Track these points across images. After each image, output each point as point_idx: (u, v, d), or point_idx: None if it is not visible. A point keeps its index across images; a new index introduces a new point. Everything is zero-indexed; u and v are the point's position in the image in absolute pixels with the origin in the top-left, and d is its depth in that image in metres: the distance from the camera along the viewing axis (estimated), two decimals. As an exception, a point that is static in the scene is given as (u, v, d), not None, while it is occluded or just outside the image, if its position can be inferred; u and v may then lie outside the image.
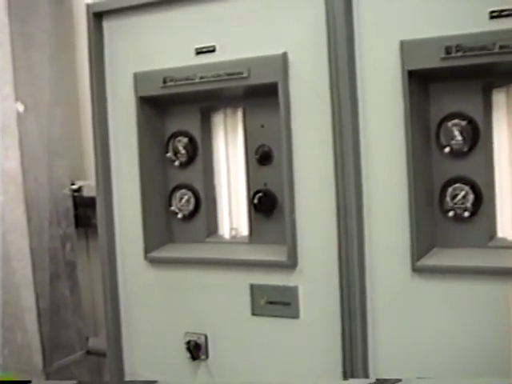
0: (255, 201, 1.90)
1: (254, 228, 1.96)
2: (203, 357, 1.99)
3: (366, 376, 1.75)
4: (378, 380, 1.70)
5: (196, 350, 1.98)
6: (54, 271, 2.75)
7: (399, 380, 1.62)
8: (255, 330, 1.90)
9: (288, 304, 1.83)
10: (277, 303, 1.85)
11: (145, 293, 2.09)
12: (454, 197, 1.67)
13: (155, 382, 1.94)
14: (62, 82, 2.79)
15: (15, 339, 2.63)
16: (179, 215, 2.03)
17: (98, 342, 2.83)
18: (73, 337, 2.83)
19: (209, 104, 2.00)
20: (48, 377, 2.69)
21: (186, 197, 2.03)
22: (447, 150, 1.66)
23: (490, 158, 1.67)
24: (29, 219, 2.63)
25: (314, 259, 1.79)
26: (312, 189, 1.78)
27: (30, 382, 2.57)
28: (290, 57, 1.78)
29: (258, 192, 1.90)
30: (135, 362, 2.15)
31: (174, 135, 2.03)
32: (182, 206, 2.03)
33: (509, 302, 1.58)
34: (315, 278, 1.80)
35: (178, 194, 2.04)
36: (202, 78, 1.88)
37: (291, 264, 1.81)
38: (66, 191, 2.81)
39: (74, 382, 2.41)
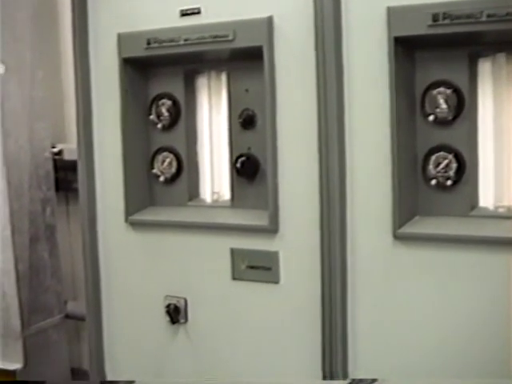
0: (238, 165, 1.89)
1: (236, 192, 1.95)
2: (182, 320, 1.99)
3: (345, 342, 1.76)
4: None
5: (175, 314, 1.98)
6: (34, 234, 2.73)
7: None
8: (235, 294, 1.91)
9: (269, 269, 1.84)
10: (257, 268, 1.85)
11: (125, 256, 2.08)
12: (437, 165, 1.67)
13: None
14: (44, 44, 2.75)
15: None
16: (161, 178, 2.02)
17: (76, 306, 2.83)
18: (51, 300, 2.82)
19: (193, 67, 1.99)
20: (25, 340, 2.68)
21: (168, 160, 2.02)
22: (432, 118, 1.66)
23: (474, 127, 1.67)
24: (9, 182, 2.60)
25: (295, 225, 1.80)
26: (295, 154, 1.78)
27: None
28: (276, 21, 1.77)
29: (240, 156, 1.89)
30: (114, 325, 2.15)
31: (158, 98, 2.01)
32: (164, 169, 2.02)
33: (488, 270, 1.59)
34: (296, 243, 1.80)
35: (160, 157, 2.03)
36: (186, 40, 1.86)
37: (272, 229, 1.81)
38: (47, 154, 2.79)
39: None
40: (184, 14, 1.89)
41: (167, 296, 2.00)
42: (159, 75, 2.02)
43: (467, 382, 1.60)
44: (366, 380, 1.66)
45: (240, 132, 1.92)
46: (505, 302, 1.56)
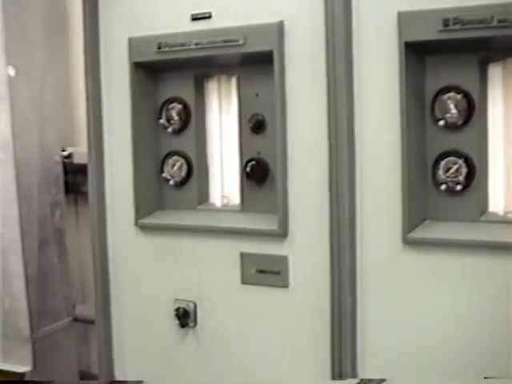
0: (247, 169, 1.89)
1: (246, 196, 1.95)
2: (192, 324, 1.99)
3: (354, 347, 1.75)
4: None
5: (184, 318, 1.98)
6: (43, 238, 2.74)
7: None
8: (244, 298, 1.90)
9: (278, 273, 1.84)
10: (267, 272, 1.85)
11: (134, 259, 2.08)
12: (447, 170, 1.67)
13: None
14: (54, 47, 2.76)
15: (2, 305, 2.63)
16: (171, 182, 2.03)
17: (85, 310, 2.83)
18: (60, 304, 2.83)
19: (203, 71, 1.99)
20: (34, 343, 2.69)
21: (178, 164, 2.02)
22: (442, 122, 1.66)
23: (485, 131, 1.66)
24: (18, 185, 2.61)
25: (304, 229, 1.80)
26: (305, 158, 1.78)
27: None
28: (286, 25, 1.77)
29: (250, 160, 1.89)
30: (123, 329, 2.15)
31: (168, 101, 2.02)
32: (174, 172, 2.02)
33: (497, 275, 1.59)
34: (306, 247, 1.80)
35: (170, 161, 2.03)
36: (197, 44, 1.87)
37: (282, 233, 1.81)
38: (57, 158, 2.79)
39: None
40: (195, 18, 1.89)
41: (176, 300, 2.00)
42: (169, 79, 2.02)
43: (471, 381, 1.60)
44: (375, 380, 1.66)
45: (250, 136, 1.92)
46: (514, 306, 1.56)
